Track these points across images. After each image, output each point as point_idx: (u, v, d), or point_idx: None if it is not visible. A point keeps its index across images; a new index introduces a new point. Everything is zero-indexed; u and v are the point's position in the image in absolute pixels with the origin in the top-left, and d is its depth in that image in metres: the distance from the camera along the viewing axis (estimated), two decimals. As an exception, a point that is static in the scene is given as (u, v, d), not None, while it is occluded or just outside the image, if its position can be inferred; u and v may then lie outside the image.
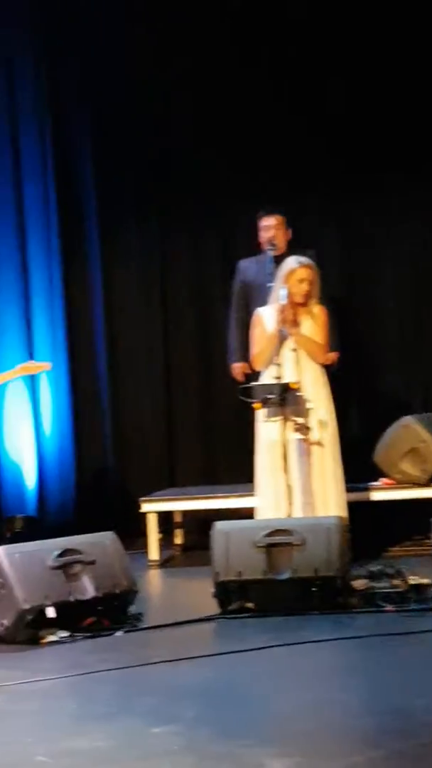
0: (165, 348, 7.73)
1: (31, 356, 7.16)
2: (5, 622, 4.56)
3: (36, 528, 7.20)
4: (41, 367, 5.42)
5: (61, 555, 4.76)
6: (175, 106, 7.59)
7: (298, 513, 5.56)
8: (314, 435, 5.74)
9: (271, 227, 6.60)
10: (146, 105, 7.65)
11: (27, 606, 4.54)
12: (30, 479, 7.59)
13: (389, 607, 4.72)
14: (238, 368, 6.61)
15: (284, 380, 5.61)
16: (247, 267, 6.72)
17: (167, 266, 7.76)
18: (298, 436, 5.71)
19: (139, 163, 7.68)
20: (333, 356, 6.39)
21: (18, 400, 7.57)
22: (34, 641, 4.54)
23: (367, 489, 6.52)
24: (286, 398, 5.61)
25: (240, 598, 4.88)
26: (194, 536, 7.07)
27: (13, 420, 7.57)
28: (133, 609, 4.88)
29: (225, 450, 7.57)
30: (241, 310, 6.56)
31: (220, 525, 5.04)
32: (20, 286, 7.66)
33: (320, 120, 7.34)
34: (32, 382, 7.58)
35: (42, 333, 7.64)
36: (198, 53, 7.47)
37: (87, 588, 4.72)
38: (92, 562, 4.79)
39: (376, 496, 6.53)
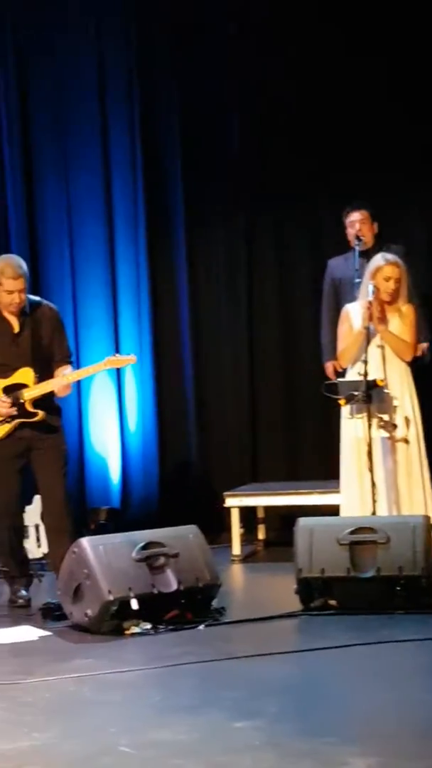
0: (249, 344, 7.73)
1: (117, 350, 7.22)
2: (90, 612, 4.61)
3: (119, 520, 7.28)
4: (126, 360, 5.45)
5: (144, 547, 4.79)
6: (265, 100, 7.57)
7: (382, 511, 5.52)
8: (400, 432, 5.69)
9: (357, 222, 6.57)
10: (235, 98, 7.66)
11: (111, 597, 4.58)
12: (114, 472, 7.67)
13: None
14: (330, 366, 6.58)
15: (370, 377, 5.56)
16: (336, 265, 6.71)
17: (253, 262, 7.76)
18: (384, 433, 5.66)
19: (226, 157, 7.69)
20: (424, 347, 6.37)
21: (104, 395, 7.65)
22: (118, 632, 4.59)
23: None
24: (371, 395, 5.57)
25: (323, 595, 4.86)
26: (276, 532, 7.07)
27: (99, 414, 7.65)
28: (215, 603, 4.90)
29: (309, 446, 7.55)
30: (332, 309, 6.54)
31: (303, 521, 5.03)
32: (107, 280, 7.74)
33: (411, 115, 7.25)
34: (118, 377, 7.65)
35: (128, 328, 7.72)
36: (291, 45, 7.43)
37: (170, 581, 4.74)
38: (176, 556, 4.82)
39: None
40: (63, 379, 5.36)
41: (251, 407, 7.70)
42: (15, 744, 3.22)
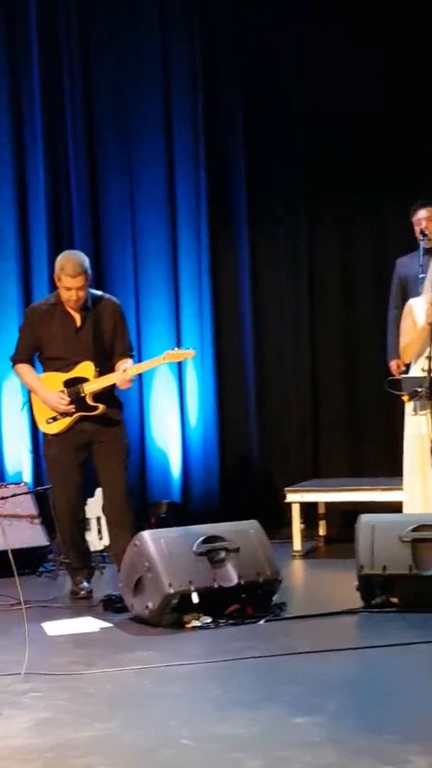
0: (311, 340, 7.71)
1: (178, 345, 7.25)
2: (151, 605, 4.63)
3: (180, 514, 7.30)
4: (185, 354, 5.46)
5: (206, 541, 4.80)
6: (329, 94, 7.53)
7: (445, 509, 5.47)
8: (463, 429, 5.62)
9: (423, 219, 6.51)
10: (300, 92, 7.64)
11: (172, 590, 4.60)
12: (175, 467, 7.70)
13: None
14: (394, 365, 6.53)
15: (434, 373, 5.50)
16: (403, 263, 6.65)
17: (315, 260, 7.74)
18: (447, 430, 5.60)
19: (289, 155, 7.68)
20: None
21: (165, 390, 7.68)
22: (179, 625, 4.60)
23: None
24: (435, 392, 5.51)
25: (384, 593, 4.82)
26: (337, 528, 7.05)
27: (160, 409, 7.69)
28: (276, 598, 4.89)
29: (371, 442, 7.51)
30: (398, 307, 6.48)
31: (365, 518, 5.00)
32: (169, 275, 7.76)
33: None
34: (179, 372, 7.68)
35: (189, 323, 7.74)
36: (357, 39, 7.39)
37: (231, 575, 4.75)
38: (236, 550, 4.82)
39: None
40: (123, 373, 5.39)
41: (313, 402, 7.68)
42: (78, 734, 3.25)
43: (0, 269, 7.52)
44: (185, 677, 3.90)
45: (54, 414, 5.45)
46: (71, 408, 5.41)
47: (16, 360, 5.63)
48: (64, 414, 5.44)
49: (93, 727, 3.31)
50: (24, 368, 5.60)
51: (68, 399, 5.42)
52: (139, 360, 6.19)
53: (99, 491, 6.28)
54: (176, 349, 5.55)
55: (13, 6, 7.56)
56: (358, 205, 7.59)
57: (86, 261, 5.44)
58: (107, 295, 5.69)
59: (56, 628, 4.75)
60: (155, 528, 5.52)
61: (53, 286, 5.60)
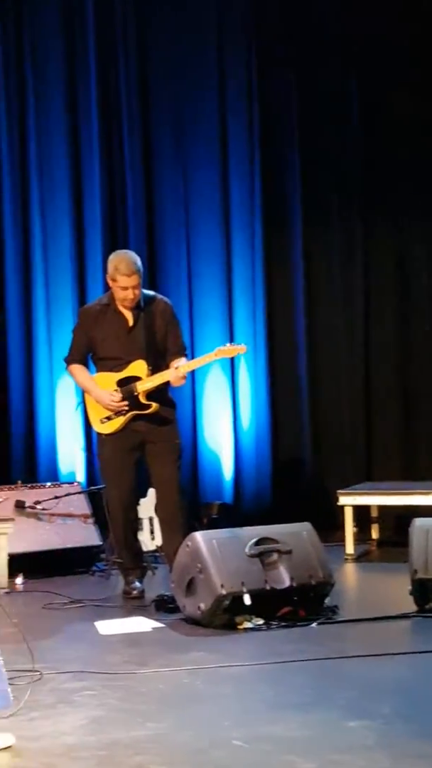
0: (365, 341, 7.67)
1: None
2: (203, 606, 4.64)
3: (231, 515, 7.29)
4: (237, 350, 5.46)
5: (258, 543, 4.79)
6: (385, 95, 7.49)
7: None
8: None
9: None
10: (355, 93, 7.61)
11: (224, 591, 4.60)
12: (227, 468, 7.70)
13: None
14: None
15: None
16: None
17: (370, 261, 7.69)
18: None
19: (344, 157, 7.65)
20: None
21: (218, 391, 7.69)
22: (230, 627, 4.60)
23: None
24: None
25: (438, 597, 4.79)
26: (390, 532, 7.00)
27: (212, 411, 7.69)
28: (328, 601, 4.87)
29: (425, 446, 7.45)
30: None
31: (419, 522, 4.95)
32: (223, 276, 7.77)
33: None
34: (232, 374, 7.68)
35: (242, 324, 7.73)
36: (413, 39, 7.34)
37: (283, 577, 4.74)
38: (289, 552, 4.81)
39: None
40: (176, 370, 5.39)
41: (366, 405, 7.64)
42: (130, 733, 3.26)
43: (55, 270, 7.57)
44: (237, 678, 3.90)
45: (108, 413, 5.48)
46: (124, 405, 5.44)
47: (69, 361, 5.67)
48: (118, 413, 5.46)
49: (145, 727, 3.32)
50: (77, 369, 5.64)
51: (121, 396, 5.44)
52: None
53: (151, 491, 6.29)
54: (228, 345, 5.56)
55: (71, 6, 7.61)
56: (415, 207, 7.53)
57: (139, 260, 5.49)
58: (159, 295, 5.71)
59: (109, 627, 4.77)
60: (207, 529, 5.53)
61: (107, 287, 5.63)
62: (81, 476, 7.36)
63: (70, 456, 7.48)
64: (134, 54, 7.73)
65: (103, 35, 7.63)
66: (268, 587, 4.70)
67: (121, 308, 5.53)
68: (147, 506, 6.45)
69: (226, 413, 7.70)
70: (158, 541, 6.31)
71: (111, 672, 3.97)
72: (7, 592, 5.71)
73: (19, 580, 5.90)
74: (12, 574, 5.90)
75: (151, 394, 5.46)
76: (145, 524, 6.65)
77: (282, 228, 7.77)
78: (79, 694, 3.70)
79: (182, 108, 7.80)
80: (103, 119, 7.65)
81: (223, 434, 7.71)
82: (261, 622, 4.61)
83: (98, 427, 5.55)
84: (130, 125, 7.72)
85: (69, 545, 6.33)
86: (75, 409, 7.13)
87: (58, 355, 6.76)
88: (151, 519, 6.63)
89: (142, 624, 4.81)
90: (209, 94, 7.77)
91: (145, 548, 6.09)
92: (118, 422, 5.47)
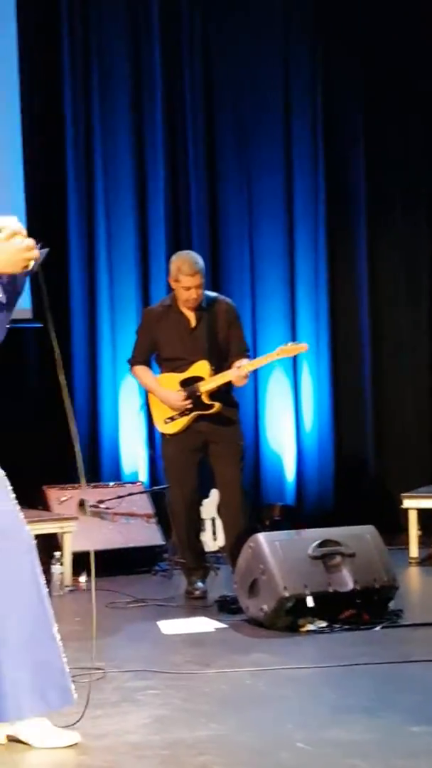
0: (430, 343, 7.59)
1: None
2: (265, 607, 4.63)
3: (293, 517, 7.27)
4: (299, 348, 5.46)
5: (321, 545, 4.77)
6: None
7: None
8: None
9: None
10: (420, 96, 7.54)
11: (287, 593, 4.58)
12: (289, 470, 7.68)
13: None
14: None
15: None
16: None
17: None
18: None
19: (409, 156, 7.58)
20: None
21: (280, 393, 7.67)
22: (293, 629, 4.59)
23: None
24: None
25: None
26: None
27: (275, 412, 7.68)
28: (392, 605, 4.83)
29: None
30: None
31: None
32: (286, 278, 7.74)
33: None
34: (294, 375, 7.65)
35: (305, 326, 7.70)
36: None
37: (346, 580, 4.71)
38: (352, 555, 4.78)
39: None
40: (238, 369, 5.39)
41: (431, 406, 7.56)
42: (193, 733, 3.27)
43: (119, 272, 7.61)
44: (300, 681, 3.89)
45: (172, 414, 5.50)
46: (188, 404, 5.45)
47: (133, 362, 5.71)
48: (182, 413, 5.47)
49: (209, 727, 3.32)
50: (141, 369, 5.67)
51: (185, 395, 5.46)
52: (255, 360, 6.20)
53: (213, 492, 6.30)
54: (289, 343, 5.55)
55: (137, 8, 7.64)
56: None
57: (201, 260, 5.51)
58: (222, 296, 5.73)
59: (171, 627, 4.79)
60: (269, 531, 5.52)
61: (170, 289, 5.65)
62: (143, 476, 7.38)
63: (133, 456, 7.52)
64: (198, 54, 7.73)
65: (168, 36, 7.64)
66: (331, 590, 4.67)
67: (183, 309, 5.55)
68: (209, 507, 6.46)
69: (288, 414, 7.68)
70: (220, 542, 6.32)
71: (174, 672, 3.99)
72: (71, 590, 5.76)
73: (82, 578, 5.95)
74: (76, 572, 5.95)
75: (214, 395, 5.47)
76: (208, 525, 6.66)
77: (346, 228, 7.73)
78: (143, 693, 3.72)
79: (246, 108, 7.79)
80: (167, 120, 7.67)
81: (285, 435, 7.69)
82: (324, 624, 4.60)
83: (162, 428, 5.58)
84: (194, 126, 7.73)
85: (131, 545, 6.36)
86: (138, 410, 7.17)
87: (122, 357, 6.79)
88: (213, 520, 6.65)
89: (205, 624, 4.82)
90: (273, 94, 7.74)
91: (207, 548, 6.09)
92: (182, 422, 5.49)
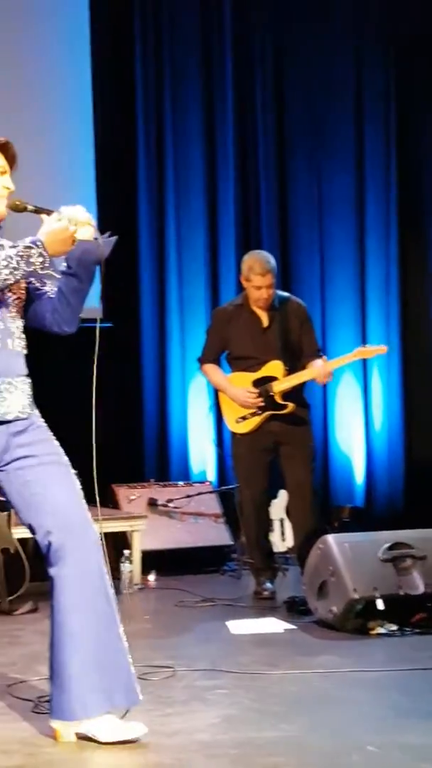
0: None
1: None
2: (335, 609, 4.61)
3: (362, 519, 7.23)
4: (377, 350, 5.43)
5: (391, 548, 4.73)
6: None
7: None
8: None
9: None
10: None
11: (357, 596, 4.55)
12: (359, 471, 7.64)
13: None
14: None
15: None
16: None
17: None
18: None
19: None
20: None
21: (350, 395, 7.63)
22: (363, 631, 4.56)
23: None
24: None
25: None
26: None
27: (344, 414, 7.64)
28: (463, 609, 4.78)
29: None
30: None
31: None
32: (356, 280, 7.71)
33: None
34: (364, 377, 7.61)
35: (376, 328, 7.66)
36: None
37: (417, 583, 4.66)
38: (423, 558, 4.73)
39: None
40: (323, 366, 5.36)
41: None
42: (263, 733, 3.26)
43: (189, 272, 7.64)
44: (369, 684, 3.86)
45: (243, 413, 5.50)
46: (260, 402, 5.44)
47: (203, 361, 5.72)
48: (254, 413, 5.47)
49: (278, 728, 3.31)
50: (211, 368, 5.68)
51: (257, 393, 5.45)
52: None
53: (282, 493, 6.29)
54: (367, 345, 5.51)
55: (210, 15, 7.66)
56: None
57: (273, 260, 5.50)
58: (293, 297, 5.72)
59: (240, 627, 4.79)
60: (338, 532, 5.49)
61: (240, 289, 5.65)
62: (212, 476, 7.40)
63: (202, 455, 7.54)
64: (270, 58, 7.73)
65: (240, 41, 7.66)
66: (401, 593, 4.63)
67: (255, 308, 5.54)
68: (278, 508, 6.45)
69: (357, 416, 7.65)
70: (289, 542, 6.31)
71: (243, 671, 3.98)
72: (140, 588, 5.79)
73: (151, 576, 5.98)
74: (145, 570, 5.98)
75: (287, 395, 5.46)
76: (276, 525, 6.65)
77: (418, 232, 7.67)
78: (212, 692, 3.72)
79: (317, 111, 7.77)
80: (238, 122, 7.68)
81: (354, 437, 7.65)
82: (394, 627, 4.56)
83: (233, 427, 5.58)
84: (264, 128, 7.73)
85: (200, 544, 6.38)
86: (208, 411, 7.19)
87: (191, 356, 6.81)
88: (282, 520, 6.64)
89: (273, 625, 4.81)
90: (345, 97, 7.72)
91: (275, 549, 6.08)
92: (254, 422, 5.48)
